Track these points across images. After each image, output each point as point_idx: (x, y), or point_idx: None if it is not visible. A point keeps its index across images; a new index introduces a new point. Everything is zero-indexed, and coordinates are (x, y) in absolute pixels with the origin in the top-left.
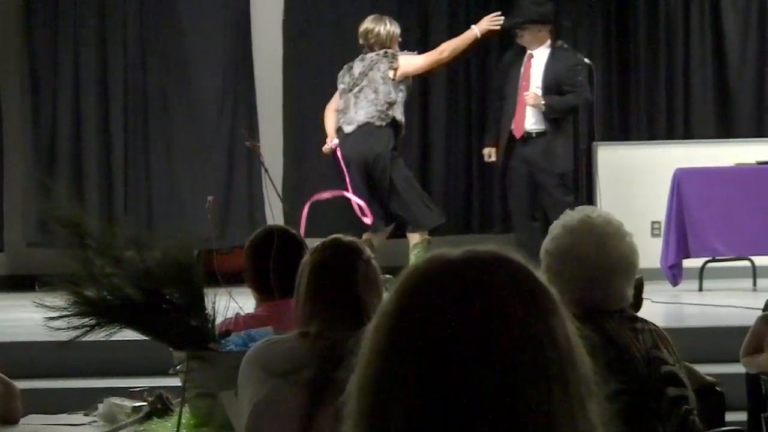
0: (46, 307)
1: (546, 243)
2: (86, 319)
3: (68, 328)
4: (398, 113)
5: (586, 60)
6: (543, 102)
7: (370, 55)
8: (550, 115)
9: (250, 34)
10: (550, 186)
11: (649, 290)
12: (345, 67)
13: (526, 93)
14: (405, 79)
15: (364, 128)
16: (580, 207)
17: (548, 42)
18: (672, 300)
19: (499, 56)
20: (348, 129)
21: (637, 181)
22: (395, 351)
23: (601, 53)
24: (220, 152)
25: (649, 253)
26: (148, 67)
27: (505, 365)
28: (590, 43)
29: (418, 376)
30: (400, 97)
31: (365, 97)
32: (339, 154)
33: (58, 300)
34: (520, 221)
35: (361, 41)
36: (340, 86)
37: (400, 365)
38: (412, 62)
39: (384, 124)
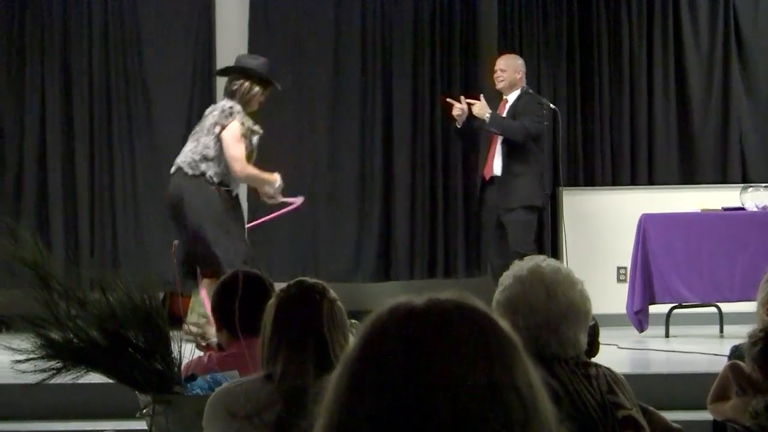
0: (13, 349)
1: (497, 294)
2: (53, 362)
3: (35, 371)
4: (211, 170)
5: (552, 105)
6: (488, 113)
7: (221, 102)
8: (488, 128)
9: (214, 79)
10: (512, 225)
11: (615, 336)
12: None
13: (471, 101)
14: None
15: (179, 172)
16: (530, 257)
17: (521, 88)
18: (638, 346)
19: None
20: (172, 169)
21: (602, 227)
22: (357, 397)
23: (564, 98)
24: None
25: (615, 298)
26: (114, 107)
27: (468, 413)
28: (554, 89)
29: (379, 424)
30: (222, 154)
31: (191, 140)
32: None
33: (24, 342)
34: (493, 262)
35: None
36: None
37: (361, 412)
38: (232, 139)
39: (192, 173)
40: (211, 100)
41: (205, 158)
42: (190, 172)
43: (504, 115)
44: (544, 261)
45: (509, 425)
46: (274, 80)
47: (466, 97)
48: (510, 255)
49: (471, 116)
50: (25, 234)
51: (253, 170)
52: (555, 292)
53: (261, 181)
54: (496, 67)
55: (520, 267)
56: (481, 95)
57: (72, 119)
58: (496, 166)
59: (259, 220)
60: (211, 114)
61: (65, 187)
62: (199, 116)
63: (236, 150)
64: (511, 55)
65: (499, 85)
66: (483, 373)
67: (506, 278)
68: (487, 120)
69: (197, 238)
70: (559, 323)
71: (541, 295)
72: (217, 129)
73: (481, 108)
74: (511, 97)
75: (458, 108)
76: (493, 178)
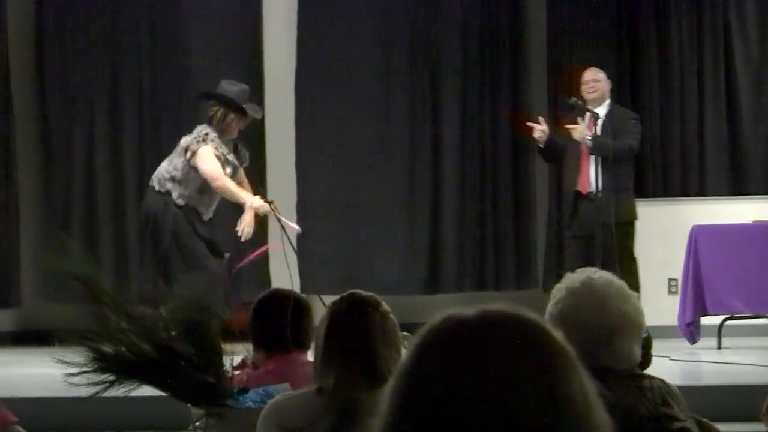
0: (66, 363)
1: (549, 307)
2: (105, 375)
3: (88, 384)
4: (176, 193)
5: (635, 115)
6: (589, 137)
7: (200, 127)
8: (593, 152)
9: (263, 87)
10: (607, 241)
11: (666, 348)
12: None
13: (573, 125)
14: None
15: (150, 187)
16: (580, 270)
17: (608, 101)
18: (690, 358)
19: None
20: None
21: (653, 239)
22: (410, 411)
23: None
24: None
25: (667, 310)
26: (162, 121)
27: (523, 426)
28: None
29: None
30: (190, 177)
31: (167, 159)
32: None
33: (76, 356)
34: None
35: None
36: None
37: (414, 425)
38: (205, 157)
39: (158, 189)
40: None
41: (172, 179)
42: (157, 187)
43: (599, 130)
44: (596, 273)
45: None
46: (249, 109)
47: (524, 116)
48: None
49: (554, 134)
50: (76, 248)
51: (229, 184)
52: (608, 305)
53: (236, 197)
54: (588, 78)
55: (572, 279)
56: (590, 114)
57: (121, 132)
58: (592, 181)
59: (247, 259)
60: (185, 138)
61: (114, 200)
62: (245, 132)
63: (210, 166)
64: (596, 69)
65: (591, 96)
66: (538, 385)
67: (558, 291)
68: (589, 144)
69: (163, 270)
70: (612, 336)
71: (595, 309)
72: (188, 154)
73: (581, 132)
74: (602, 110)
75: (539, 130)
76: (591, 195)
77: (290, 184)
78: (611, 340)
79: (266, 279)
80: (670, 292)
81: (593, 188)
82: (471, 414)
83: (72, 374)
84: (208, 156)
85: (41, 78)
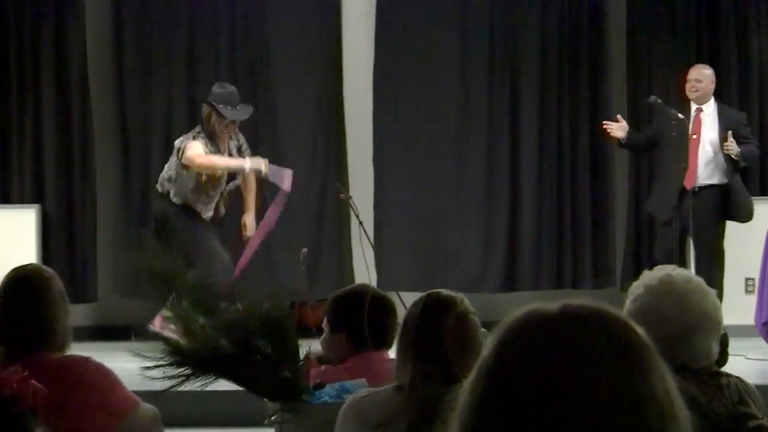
0: (143, 356)
1: (627, 304)
2: (181, 369)
3: (164, 377)
4: (173, 191)
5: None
6: (738, 150)
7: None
8: (741, 163)
9: (341, 85)
10: (703, 234)
11: (742, 347)
12: None
13: (726, 144)
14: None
15: (155, 190)
16: (658, 267)
17: (713, 101)
18: (766, 357)
19: (589, 116)
20: None
21: (730, 237)
22: (493, 407)
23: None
24: (310, 204)
25: (743, 309)
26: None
27: (607, 422)
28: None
29: (518, 430)
30: (183, 176)
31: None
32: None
33: (153, 350)
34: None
35: None
36: None
37: (497, 421)
38: (189, 149)
39: (161, 191)
40: (339, 102)
41: (169, 179)
42: (159, 189)
43: (714, 127)
44: (675, 270)
45: None
46: (226, 111)
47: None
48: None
49: (633, 131)
50: (155, 244)
51: (214, 159)
52: (688, 302)
53: (226, 167)
54: (691, 77)
55: (650, 277)
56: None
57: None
58: (701, 176)
59: (247, 256)
60: (179, 138)
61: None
62: (328, 122)
63: (193, 151)
64: (702, 66)
65: (694, 95)
66: (621, 381)
67: (636, 288)
68: (739, 158)
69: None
70: (692, 334)
71: (674, 306)
72: (180, 153)
73: (733, 148)
74: (708, 108)
75: (616, 127)
76: (696, 189)
77: (368, 181)
78: (690, 338)
79: (345, 276)
80: (747, 292)
81: (697, 184)
82: (553, 410)
83: (148, 368)
84: (193, 146)
85: (119, 76)
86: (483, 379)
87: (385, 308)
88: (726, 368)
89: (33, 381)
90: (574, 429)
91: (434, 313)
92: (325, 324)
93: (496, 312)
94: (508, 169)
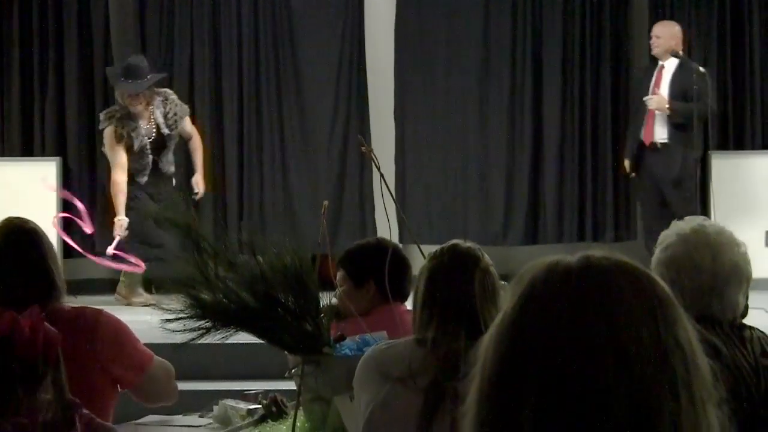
0: (163, 309)
1: (658, 252)
2: (202, 322)
3: (184, 330)
4: None
5: (702, 69)
6: (667, 106)
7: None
8: (673, 119)
9: (363, 41)
10: (670, 196)
11: (762, 300)
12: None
13: (647, 97)
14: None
15: None
16: (689, 217)
17: (678, 53)
18: None
19: (612, 71)
20: None
21: (751, 190)
22: (516, 361)
23: (715, 61)
24: (332, 158)
25: (763, 262)
26: (262, 73)
27: (636, 374)
28: (705, 51)
29: (543, 385)
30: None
31: None
32: None
33: (174, 302)
34: (649, 227)
35: None
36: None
37: (522, 375)
38: (107, 147)
39: None
40: (362, 63)
41: None
42: None
43: (667, 84)
44: (706, 221)
45: (674, 385)
46: (117, 83)
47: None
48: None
49: None
50: (175, 197)
51: (118, 192)
52: (720, 253)
53: (115, 204)
54: (652, 33)
55: (681, 227)
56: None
57: (221, 83)
58: (658, 133)
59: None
60: None
61: (213, 150)
62: (349, 75)
63: (110, 157)
64: (668, 22)
65: (655, 51)
66: (648, 332)
67: (668, 237)
68: (668, 113)
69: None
70: (724, 285)
71: (707, 256)
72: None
73: (658, 101)
74: (669, 64)
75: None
76: (655, 145)
77: (389, 135)
78: (722, 289)
79: (367, 228)
80: (767, 245)
81: (658, 139)
82: (578, 362)
83: (168, 320)
84: (107, 141)
85: (142, 30)
86: (505, 333)
87: (404, 261)
88: (745, 321)
89: (47, 324)
90: (599, 381)
91: (461, 265)
92: (343, 278)
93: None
94: (530, 122)
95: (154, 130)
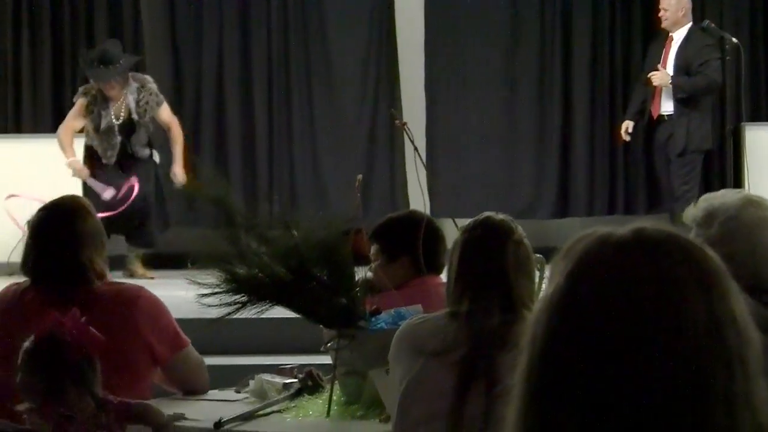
0: (199, 284)
1: (703, 225)
2: (237, 297)
3: (220, 305)
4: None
5: (734, 39)
6: (669, 81)
7: None
8: (677, 94)
9: (393, 15)
10: (674, 169)
11: None
12: None
13: (651, 73)
14: None
15: None
16: (729, 190)
17: (689, 24)
18: None
19: (642, 40)
20: None
21: None
22: (568, 334)
23: (747, 31)
24: (362, 132)
25: None
26: (291, 47)
27: (692, 347)
28: (736, 22)
29: (594, 359)
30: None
31: None
32: None
33: (209, 277)
34: (671, 200)
35: None
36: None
37: (574, 349)
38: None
39: None
40: (392, 37)
41: None
42: None
43: (673, 56)
44: (749, 192)
45: (728, 358)
46: (88, 71)
47: None
48: (677, 198)
49: None
50: (208, 171)
51: (62, 135)
52: None
53: (62, 149)
54: (660, 6)
55: (729, 196)
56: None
57: (250, 55)
58: (664, 105)
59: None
60: None
61: (244, 121)
62: (379, 48)
63: (67, 117)
64: None
65: (664, 24)
66: (702, 305)
67: (714, 209)
68: (671, 87)
69: None
70: None
71: (759, 228)
72: None
73: (661, 78)
74: (678, 36)
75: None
76: (662, 118)
77: (420, 109)
78: None
79: (398, 203)
80: None
81: (665, 112)
82: (633, 337)
83: (204, 295)
84: (74, 108)
85: (171, 4)
86: (556, 307)
87: (437, 233)
88: None
89: (91, 329)
90: (653, 354)
91: (494, 238)
92: (377, 251)
93: (548, 238)
94: (560, 93)
95: (123, 114)
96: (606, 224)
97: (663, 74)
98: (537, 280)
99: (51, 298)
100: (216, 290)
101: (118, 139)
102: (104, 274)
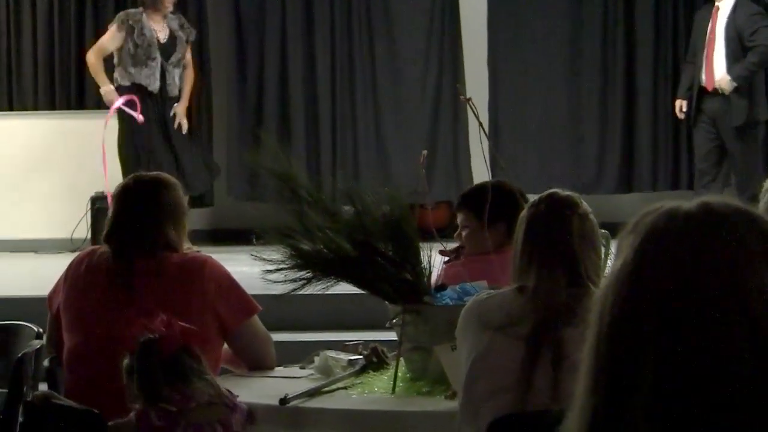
0: (264, 260)
1: None
2: (302, 273)
3: (285, 281)
4: (119, 76)
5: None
6: (731, 82)
7: None
8: (743, 86)
9: None
10: (732, 147)
11: None
12: None
13: (717, 82)
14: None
15: None
16: None
17: None
18: None
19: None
20: None
21: None
22: (637, 308)
23: None
24: (425, 107)
25: None
26: (354, 22)
27: (757, 319)
28: None
29: (663, 333)
30: (121, 56)
31: None
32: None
33: (274, 253)
34: (701, 177)
35: None
36: None
37: (643, 323)
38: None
39: None
40: (455, 14)
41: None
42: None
43: (722, 28)
44: None
45: None
46: None
47: None
48: (742, 173)
49: None
50: (272, 144)
51: (93, 59)
52: None
53: (95, 76)
54: None
55: None
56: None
57: (313, 27)
58: (717, 78)
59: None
60: None
61: (307, 100)
62: (442, 23)
63: (102, 39)
64: None
65: None
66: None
67: None
68: (737, 84)
69: None
70: None
71: None
72: None
73: (725, 84)
74: (724, 5)
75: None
76: (717, 90)
77: (483, 84)
78: None
79: (462, 179)
80: None
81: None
82: (699, 308)
83: (269, 271)
84: (111, 27)
85: None
86: (625, 281)
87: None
88: None
89: (179, 322)
90: (721, 328)
91: (559, 213)
92: (467, 219)
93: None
94: (623, 68)
95: (167, 34)
96: (671, 199)
97: (723, 81)
98: (603, 255)
99: (126, 266)
100: (281, 266)
101: (159, 60)
102: (180, 247)
